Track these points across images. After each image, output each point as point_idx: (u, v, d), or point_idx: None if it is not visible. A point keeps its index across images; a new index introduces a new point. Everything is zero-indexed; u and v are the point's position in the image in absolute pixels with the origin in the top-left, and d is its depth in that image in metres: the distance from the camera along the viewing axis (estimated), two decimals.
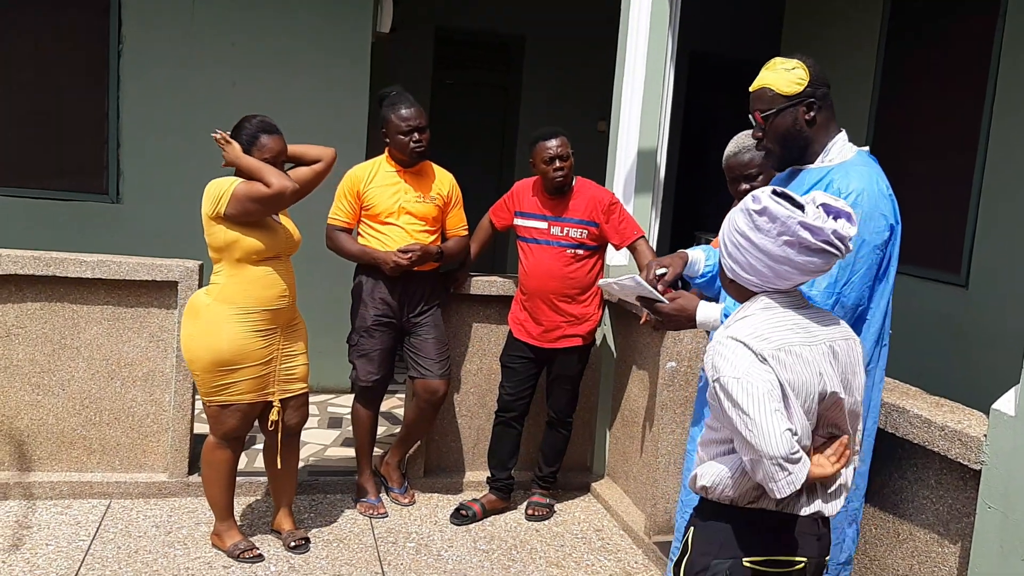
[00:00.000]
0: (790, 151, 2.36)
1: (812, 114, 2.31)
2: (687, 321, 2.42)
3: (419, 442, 4.15)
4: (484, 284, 4.17)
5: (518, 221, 3.91)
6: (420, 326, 3.85)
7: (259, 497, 3.95)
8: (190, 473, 3.92)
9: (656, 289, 2.44)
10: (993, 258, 4.76)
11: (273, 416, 3.36)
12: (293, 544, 3.48)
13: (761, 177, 2.78)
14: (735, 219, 1.87)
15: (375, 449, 4.11)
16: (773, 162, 2.44)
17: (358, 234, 3.86)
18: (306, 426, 4.15)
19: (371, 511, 3.88)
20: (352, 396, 4.09)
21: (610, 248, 3.95)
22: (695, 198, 8.10)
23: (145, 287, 3.85)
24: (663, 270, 2.49)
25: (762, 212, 1.81)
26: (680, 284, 2.65)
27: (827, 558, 1.98)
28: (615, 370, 4.32)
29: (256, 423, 3.43)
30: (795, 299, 1.89)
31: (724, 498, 1.88)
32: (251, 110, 3.56)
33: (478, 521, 3.92)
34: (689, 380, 3.60)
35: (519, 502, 4.11)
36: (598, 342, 4.26)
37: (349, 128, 5.31)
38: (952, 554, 2.34)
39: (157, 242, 4.94)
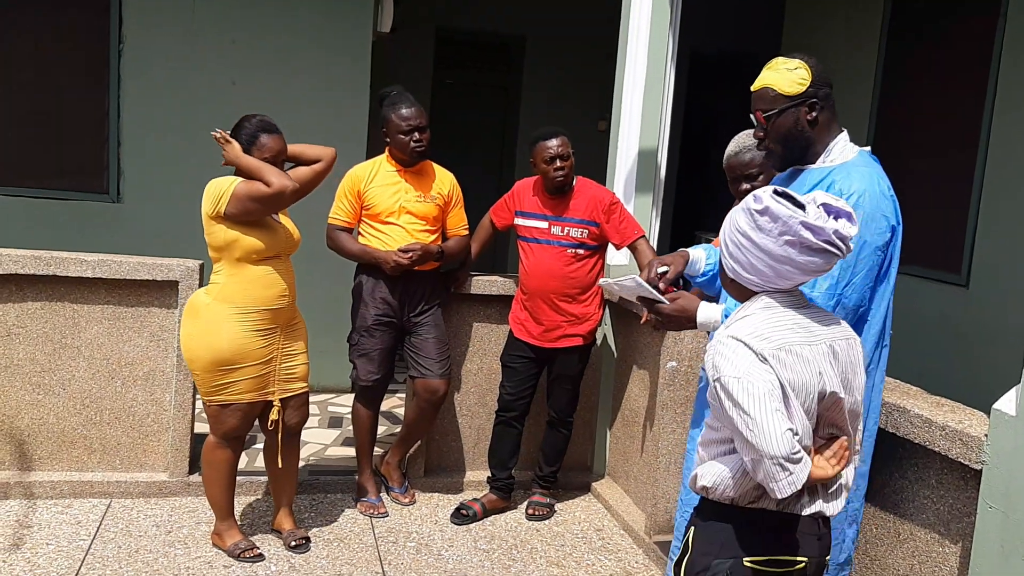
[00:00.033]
0: (792, 151, 2.36)
1: (814, 114, 2.31)
2: (688, 322, 2.42)
3: (419, 442, 4.15)
4: (485, 284, 4.17)
5: (519, 221, 3.91)
6: (420, 326, 3.85)
7: (259, 496, 3.95)
8: (191, 472, 3.92)
9: (658, 287, 2.44)
10: (994, 257, 4.75)
11: (273, 415, 3.36)
12: (294, 543, 3.48)
13: (762, 177, 2.77)
14: (736, 219, 1.87)
15: (375, 448, 4.11)
16: (774, 162, 2.44)
17: (359, 234, 3.86)
18: (306, 425, 4.15)
19: (371, 510, 3.88)
20: (352, 395, 4.09)
21: (611, 248, 3.95)
22: (695, 198, 8.10)
23: (146, 286, 3.85)
24: (664, 268, 2.49)
25: (764, 212, 1.81)
26: (681, 283, 2.65)
27: (828, 558, 1.98)
28: (616, 370, 4.32)
29: (256, 422, 3.43)
30: (796, 299, 1.89)
31: (725, 498, 1.88)
32: (251, 109, 3.56)
33: (478, 521, 3.92)
34: (689, 380, 3.60)
35: (519, 502, 4.11)
36: (599, 342, 4.26)
37: (349, 127, 5.31)
38: (953, 554, 2.34)
39: (157, 241, 4.94)
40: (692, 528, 1.97)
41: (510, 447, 3.99)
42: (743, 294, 1.93)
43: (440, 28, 7.54)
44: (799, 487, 1.73)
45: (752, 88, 2.37)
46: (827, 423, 1.88)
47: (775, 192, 1.85)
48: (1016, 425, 2.08)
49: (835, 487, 1.89)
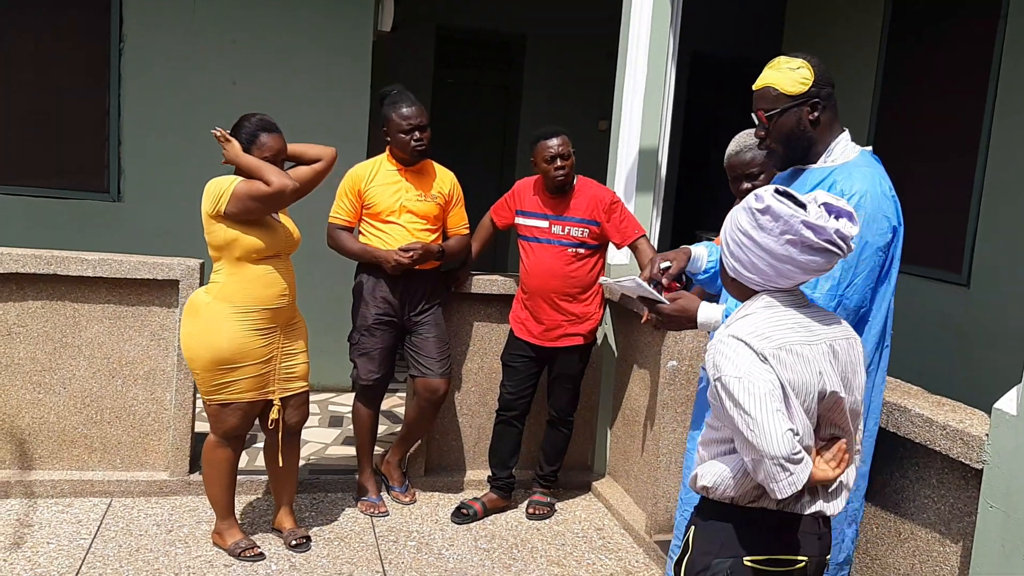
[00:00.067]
0: (793, 151, 2.36)
1: (816, 114, 2.30)
2: (688, 322, 2.42)
3: (420, 441, 4.15)
4: (485, 283, 4.17)
5: (519, 220, 3.91)
6: (421, 325, 3.85)
7: (260, 495, 3.95)
8: (191, 472, 3.92)
9: (660, 283, 2.44)
10: (994, 257, 4.76)
11: (273, 415, 3.36)
12: (294, 542, 3.48)
13: (763, 176, 2.77)
14: (737, 218, 1.87)
15: (376, 448, 4.11)
16: (775, 161, 2.43)
17: (359, 233, 3.86)
18: (307, 425, 4.16)
19: (372, 510, 3.88)
20: (353, 395, 4.09)
21: (611, 247, 3.95)
22: (696, 197, 8.10)
23: (146, 285, 3.85)
24: (667, 264, 2.49)
25: (765, 211, 1.81)
26: (684, 279, 2.65)
27: (828, 557, 1.98)
28: (616, 369, 4.32)
29: (257, 422, 3.43)
30: (797, 298, 1.89)
31: (725, 497, 1.87)
32: (252, 108, 3.56)
33: (479, 520, 3.92)
34: (690, 379, 3.60)
35: (520, 501, 4.11)
36: (599, 341, 4.26)
37: (350, 127, 5.31)
38: (954, 553, 2.34)
39: (158, 240, 4.94)
40: (692, 527, 1.97)
41: (511, 446, 3.99)
42: (744, 293, 1.92)
43: (440, 27, 7.54)
44: (799, 487, 1.73)
45: (754, 87, 2.37)
46: (828, 423, 1.88)
47: (776, 191, 1.85)
48: (1017, 424, 2.08)
49: (836, 487, 1.89)
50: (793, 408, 1.77)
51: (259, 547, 3.42)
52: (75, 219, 5.10)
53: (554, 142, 3.70)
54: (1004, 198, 4.72)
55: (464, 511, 3.90)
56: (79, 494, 3.81)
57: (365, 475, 3.97)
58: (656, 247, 4.03)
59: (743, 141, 2.80)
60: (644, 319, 2.65)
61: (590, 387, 4.32)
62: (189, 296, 3.49)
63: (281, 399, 3.37)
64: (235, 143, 3.26)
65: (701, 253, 2.57)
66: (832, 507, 1.90)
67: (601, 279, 2.73)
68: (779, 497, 1.74)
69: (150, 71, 5.11)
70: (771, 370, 1.76)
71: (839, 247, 1.80)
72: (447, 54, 7.66)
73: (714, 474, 1.88)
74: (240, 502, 3.78)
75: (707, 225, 6.70)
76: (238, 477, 3.55)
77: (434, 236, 3.84)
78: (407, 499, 4.03)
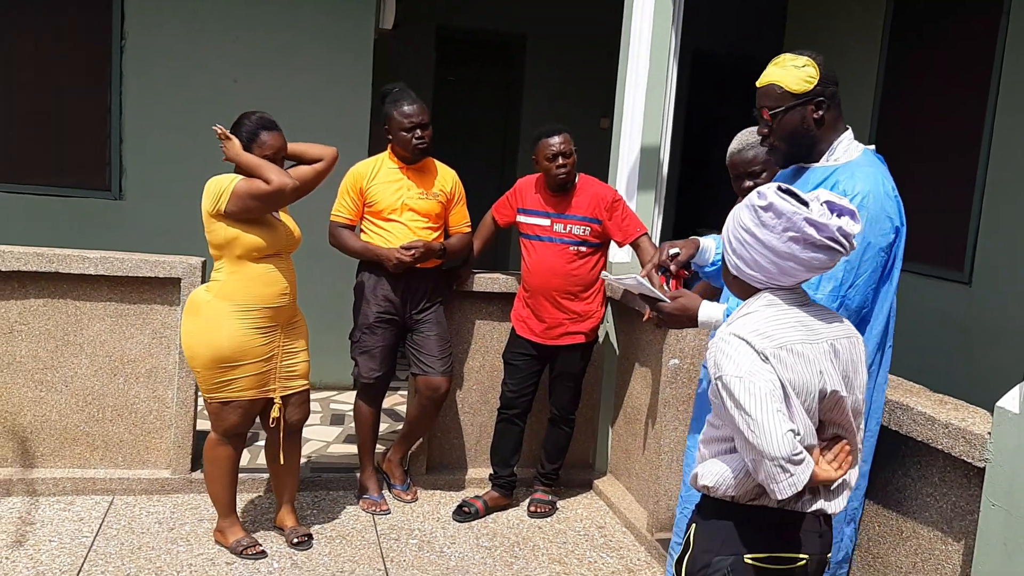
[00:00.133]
0: (796, 149, 2.35)
1: (820, 113, 2.29)
2: (689, 321, 2.41)
3: (421, 439, 4.15)
4: (487, 281, 4.17)
5: (521, 218, 3.90)
6: (422, 323, 3.85)
7: (261, 493, 3.95)
8: (193, 469, 3.92)
9: (669, 268, 2.44)
10: (996, 255, 4.75)
11: (274, 413, 3.37)
12: (296, 540, 3.48)
13: (765, 174, 2.77)
14: (740, 215, 1.87)
15: (377, 446, 4.11)
16: (778, 159, 2.43)
17: (361, 231, 3.86)
18: (308, 423, 4.16)
19: (374, 508, 3.89)
20: (354, 393, 4.09)
21: (613, 245, 3.94)
22: (698, 195, 8.09)
23: (148, 284, 3.85)
24: (676, 250, 2.48)
25: (767, 208, 1.81)
26: (690, 270, 2.64)
27: (829, 555, 1.98)
28: (617, 367, 4.32)
29: (258, 420, 3.43)
30: (798, 296, 1.89)
31: (726, 496, 1.87)
32: (253, 106, 3.55)
33: (480, 518, 3.92)
34: (692, 377, 3.59)
35: (521, 499, 4.11)
36: (601, 339, 4.26)
37: (351, 125, 5.31)
38: (955, 552, 2.33)
39: (159, 239, 4.94)
40: (693, 525, 1.97)
41: (512, 444, 3.99)
42: (746, 291, 1.92)
43: (441, 26, 7.53)
44: (800, 488, 1.73)
45: (757, 83, 2.35)
46: (831, 423, 1.88)
47: (779, 188, 1.84)
48: (1019, 423, 2.08)
49: (838, 485, 1.89)
50: (794, 408, 1.77)
51: (261, 545, 3.43)
52: (77, 217, 5.10)
53: (556, 140, 3.70)
54: (1006, 196, 4.71)
55: (466, 509, 3.91)
56: (81, 492, 3.82)
57: (367, 473, 3.97)
58: (658, 245, 4.02)
59: (745, 139, 2.80)
60: (646, 317, 2.64)
61: (591, 385, 4.32)
62: (190, 294, 3.49)
63: (282, 397, 3.38)
64: (235, 141, 3.26)
65: (709, 245, 2.56)
66: (833, 505, 1.90)
67: (602, 274, 2.73)
68: (779, 498, 1.74)
69: (151, 69, 5.11)
70: (772, 370, 1.75)
71: (841, 244, 1.80)
72: (448, 52, 7.65)
73: (715, 473, 1.88)
74: (242, 500, 3.78)
75: (709, 223, 6.69)
76: (239, 475, 3.55)
77: (436, 234, 3.83)
78: (409, 497, 4.03)
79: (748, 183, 2.80)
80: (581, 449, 4.44)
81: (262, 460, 4.03)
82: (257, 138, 3.26)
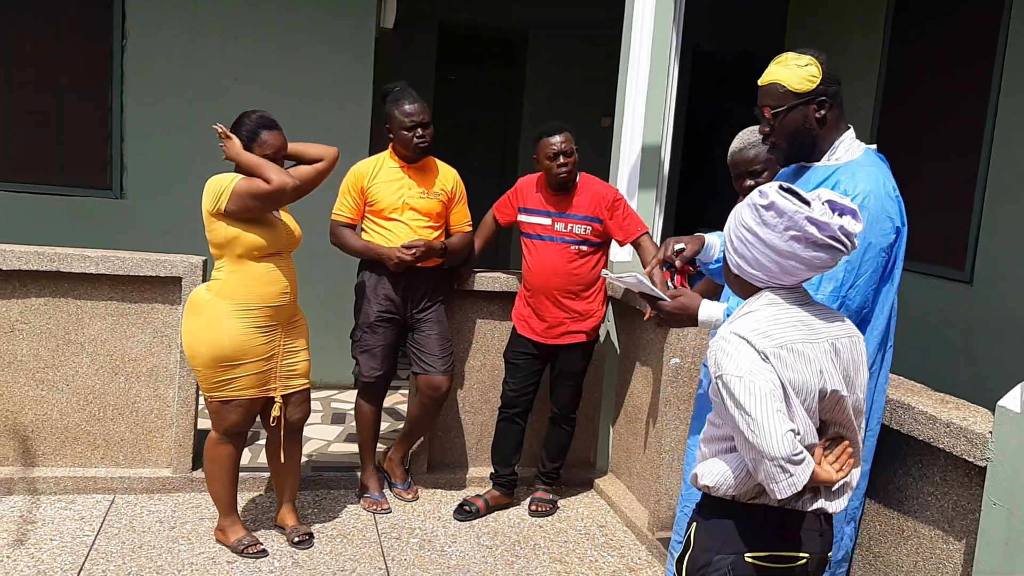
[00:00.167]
0: (798, 148, 2.34)
1: (823, 112, 2.28)
2: (689, 320, 2.41)
3: (422, 438, 4.15)
4: (488, 280, 4.17)
5: (522, 217, 3.90)
6: (423, 322, 3.85)
7: (262, 492, 3.95)
8: (194, 468, 3.93)
9: (674, 264, 2.44)
10: (998, 254, 4.74)
11: (275, 412, 3.37)
12: (297, 539, 3.48)
13: (766, 173, 2.77)
14: (741, 214, 1.86)
15: (379, 445, 4.11)
16: (779, 158, 2.43)
17: (362, 230, 3.86)
18: (309, 422, 4.16)
19: (375, 507, 3.89)
20: (355, 392, 4.09)
21: (614, 244, 3.94)
22: (699, 194, 8.08)
23: (149, 283, 3.85)
24: (681, 246, 2.48)
25: (769, 207, 1.80)
26: (693, 267, 2.64)
27: (829, 554, 1.98)
28: (618, 366, 4.32)
29: (259, 419, 3.44)
30: (799, 295, 1.88)
31: (727, 495, 1.87)
32: (254, 105, 3.55)
33: (481, 517, 3.92)
34: (692, 376, 3.59)
35: (522, 498, 4.11)
36: (602, 338, 4.26)
37: (352, 124, 5.31)
38: (957, 551, 2.33)
39: (160, 238, 4.95)
40: (694, 524, 1.97)
41: (513, 443, 3.99)
42: (747, 290, 1.92)
43: (443, 24, 7.53)
44: (799, 488, 1.73)
45: (760, 82, 2.34)
46: (832, 422, 1.88)
47: (781, 187, 1.84)
48: (1021, 422, 2.07)
49: (839, 486, 1.89)
50: (794, 407, 1.77)
51: (262, 544, 3.43)
52: (78, 216, 5.10)
53: (557, 139, 3.70)
54: (1007, 195, 4.71)
55: (467, 508, 3.91)
56: (82, 491, 3.82)
57: (368, 472, 3.98)
58: (659, 244, 4.02)
59: (747, 138, 2.80)
60: (647, 316, 2.64)
61: (592, 384, 4.32)
62: (191, 293, 3.49)
63: (283, 396, 3.38)
64: (235, 140, 3.26)
65: (714, 242, 2.55)
66: (834, 504, 1.89)
67: (602, 272, 2.73)
68: (778, 498, 1.74)
69: (152, 68, 5.11)
70: (772, 369, 1.75)
71: (843, 243, 1.80)
72: (449, 51, 7.65)
73: (715, 473, 1.88)
74: (243, 499, 3.79)
75: (710, 222, 6.69)
76: (240, 474, 3.56)
77: (437, 233, 3.83)
78: (410, 496, 4.03)
79: (749, 182, 2.79)
80: (582, 448, 4.43)
81: (263, 459, 4.03)
82: (257, 137, 3.26)
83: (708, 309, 2.38)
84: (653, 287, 2.41)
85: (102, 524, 3.57)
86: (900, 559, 2.52)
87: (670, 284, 2.50)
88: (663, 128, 4.23)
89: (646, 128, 4.18)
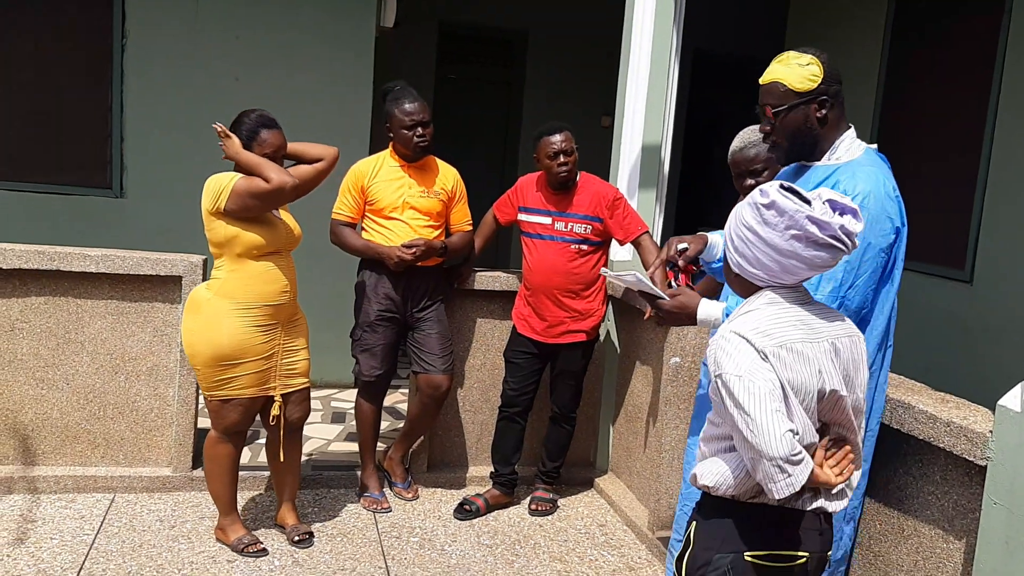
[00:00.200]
0: (798, 147, 2.34)
1: (824, 112, 2.28)
2: (687, 318, 2.41)
3: (422, 437, 4.15)
4: (488, 279, 4.17)
5: (522, 216, 3.90)
6: (423, 321, 3.85)
7: (262, 491, 3.96)
8: (194, 467, 3.93)
9: (677, 263, 2.44)
10: (998, 254, 4.75)
11: (274, 411, 3.37)
12: (297, 538, 3.48)
13: (766, 173, 2.77)
14: (742, 213, 1.86)
15: (378, 444, 4.11)
16: (779, 157, 2.42)
17: (362, 229, 3.86)
18: (309, 421, 4.16)
19: (375, 506, 3.89)
20: (355, 391, 4.09)
21: (614, 243, 3.94)
22: (699, 194, 8.09)
23: (149, 282, 3.85)
24: (684, 245, 2.48)
25: (770, 206, 1.80)
26: (697, 267, 2.64)
27: (829, 553, 1.98)
28: (619, 366, 4.32)
29: (259, 418, 3.44)
30: (800, 295, 1.88)
31: (726, 494, 1.87)
32: (255, 105, 3.55)
33: (482, 516, 3.92)
34: (692, 375, 3.59)
35: (523, 497, 4.11)
36: (602, 337, 4.26)
37: (353, 123, 5.31)
38: (957, 550, 2.33)
39: (161, 237, 4.95)
40: (694, 523, 1.97)
41: (513, 443, 3.99)
42: (747, 289, 1.92)
43: (443, 23, 7.53)
44: (797, 489, 1.73)
45: (761, 80, 2.34)
46: (832, 423, 1.88)
47: (781, 187, 1.84)
48: (1021, 421, 2.07)
49: (839, 488, 1.89)
50: (793, 407, 1.77)
51: (262, 543, 3.43)
52: (78, 215, 5.10)
53: (557, 138, 3.70)
54: (1007, 195, 4.71)
55: (467, 507, 3.91)
56: (82, 490, 3.82)
57: (368, 471, 3.98)
58: (659, 243, 4.02)
59: (747, 137, 2.80)
60: (647, 316, 2.65)
61: (592, 383, 4.32)
62: (191, 292, 3.50)
63: (282, 395, 3.38)
64: (235, 139, 3.26)
65: (717, 241, 2.55)
66: (834, 504, 1.89)
67: (602, 270, 2.73)
68: (776, 498, 1.74)
69: (152, 68, 5.11)
70: (771, 368, 1.75)
71: (844, 243, 1.80)
72: (449, 50, 7.65)
73: (715, 473, 1.88)
74: (243, 498, 3.79)
75: (710, 222, 6.68)
76: (240, 473, 3.56)
77: (437, 232, 3.83)
78: (410, 495, 4.03)
79: (750, 181, 2.79)
80: (582, 447, 4.44)
81: (263, 458, 4.04)
82: (257, 136, 3.26)
83: (707, 308, 2.38)
84: (652, 285, 2.41)
85: (102, 523, 3.57)
86: (900, 558, 2.53)
87: (673, 284, 2.50)
88: (663, 128, 4.23)
89: (646, 128, 4.18)
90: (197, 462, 3.93)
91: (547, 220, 3.81)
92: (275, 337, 3.31)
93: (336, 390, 5.42)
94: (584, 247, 3.79)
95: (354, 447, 4.30)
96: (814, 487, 1.85)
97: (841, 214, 1.82)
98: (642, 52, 4.15)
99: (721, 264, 2.56)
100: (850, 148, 2.33)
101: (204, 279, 3.80)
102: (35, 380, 3.81)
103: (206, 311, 3.23)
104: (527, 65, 7.74)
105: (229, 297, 3.22)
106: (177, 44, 5.12)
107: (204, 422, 3.81)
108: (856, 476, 1.92)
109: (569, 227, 3.78)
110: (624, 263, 4.23)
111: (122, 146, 5.15)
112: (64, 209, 5.09)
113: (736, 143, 2.83)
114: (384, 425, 4.48)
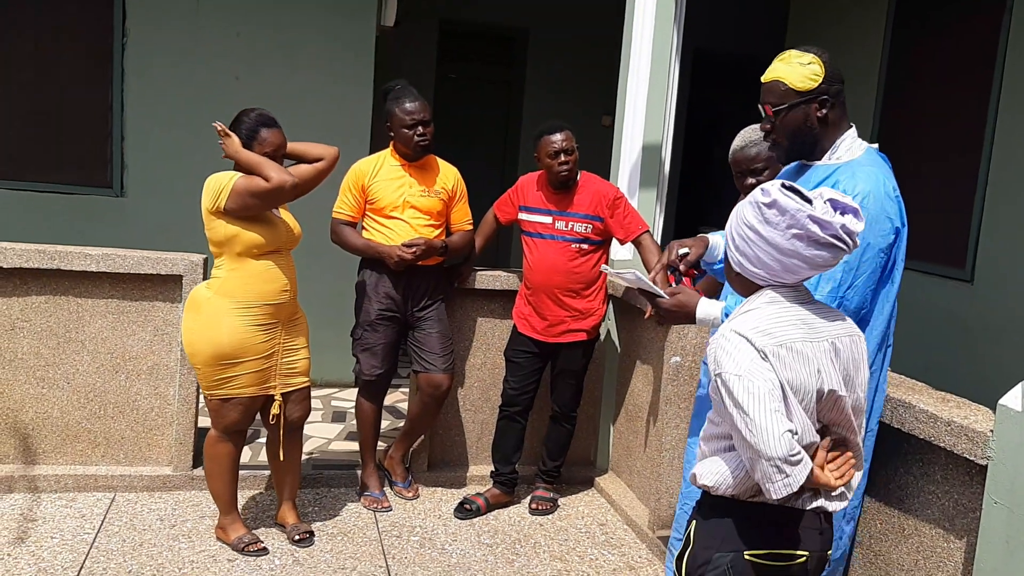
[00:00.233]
0: (799, 147, 2.34)
1: (824, 111, 2.28)
2: (686, 317, 2.41)
3: (423, 436, 4.15)
4: (488, 278, 4.17)
5: (522, 215, 3.90)
6: (424, 320, 3.85)
7: (263, 490, 3.96)
8: (194, 466, 3.93)
9: (678, 268, 2.44)
10: (998, 253, 4.75)
11: (274, 410, 3.37)
12: (297, 537, 3.49)
13: (767, 172, 2.77)
14: (743, 212, 1.86)
15: (379, 443, 4.11)
16: (780, 156, 2.42)
17: (363, 228, 3.86)
18: (310, 420, 4.16)
19: (375, 505, 3.89)
20: (356, 390, 4.09)
21: (614, 242, 3.94)
22: (700, 193, 8.09)
23: (149, 281, 3.85)
24: (685, 250, 2.48)
25: (771, 205, 1.80)
26: (698, 271, 2.64)
27: (829, 552, 1.98)
28: (619, 365, 4.32)
29: (259, 417, 3.43)
30: (801, 294, 1.88)
31: (726, 493, 1.87)
32: (255, 103, 3.56)
33: (482, 515, 3.92)
34: (693, 375, 3.59)
35: (523, 496, 4.11)
36: (602, 337, 4.26)
37: (353, 122, 5.31)
38: (958, 549, 2.33)
39: (161, 236, 4.95)
40: (693, 522, 1.97)
41: (514, 442, 4.00)
42: (748, 288, 1.92)
43: (443, 22, 7.53)
44: (795, 489, 1.73)
45: (762, 79, 2.34)
46: (832, 423, 1.88)
47: (783, 186, 1.84)
48: (1022, 420, 2.07)
49: (839, 490, 1.89)
50: (792, 407, 1.77)
51: (262, 542, 3.43)
52: (78, 214, 5.10)
53: (558, 137, 3.70)
54: (1007, 194, 4.71)
55: (467, 506, 3.91)
56: (83, 489, 3.82)
57: (368, 470, 3.98)
58: (659, 243, 4.02)
59: (748, 136, 2.80)
60: (647, 315, 2.65)
61: (593, 383, 4.32)
62: (191, 291, 3.50)
63: (282, 394, 3.38)
64: (234, 138, 3.26)
65: (718, 242, 2.55)
66: (834, 504, 1.89)
67: (602, 267, 2.73)
68: (774, 498, 1.74)
69: (153, 66, 5.11)
70: (771, 368, 1.75)
71: (845, 242, 1.80)
72: (450, 49, 7.65)
73: (715, 473, 1.88)
74: (243, 497, 3.79)
75: (711, 221, 6.69)
76: (241, 472, 3.56)
77: (437, 232, 3.83)
78: (410, 494, 4.03)
79: (750, 180, 2.79)
80: (582, 446, 4.44)
81: (263, 457, 4.03)
82: (257, 135, 3.26)
83: (706, 307, 2.38)
84: (652, 284, 2.41)
85: (103, 522, 3.57)
86: (901, 557, 2.53)
87: (672, 286, 2.50)
88: (664, 127, 4.23)
89: (647, 127, 4.18)
90: (197, 461, 3.93)
91: (548, 219, 3.81)
92: (275, 336, 3.31)
93: (336, 389, 5.42)
94: (585, 246, 3.79)
95: (354, 446, 4.30)
96: (813, 488, 1.85)
97: (842, 213, 1.82)
98: (642, 51, 4.15)
99: (721, 266, 2.57)
100: (851, 148, 2.32)
101: (204, 278, 3.80)
102: (36, 379, 3.81)
103: (206, 310, 3.23)
104: (528, 64, 7.74)
105: (229, 296, 3.22)
106: (177, 43, 5.12)
107: (204, 421, 3.81)
108: (856, 478, 1.92)
109: (570, 226, 3.78)
110: (625, 262, 4.23)
111: (122, 145, 5.15)
112: (64, 208, 5.09)
113: (737, 142, 2.83)
114: (384, 424, 4.48)
